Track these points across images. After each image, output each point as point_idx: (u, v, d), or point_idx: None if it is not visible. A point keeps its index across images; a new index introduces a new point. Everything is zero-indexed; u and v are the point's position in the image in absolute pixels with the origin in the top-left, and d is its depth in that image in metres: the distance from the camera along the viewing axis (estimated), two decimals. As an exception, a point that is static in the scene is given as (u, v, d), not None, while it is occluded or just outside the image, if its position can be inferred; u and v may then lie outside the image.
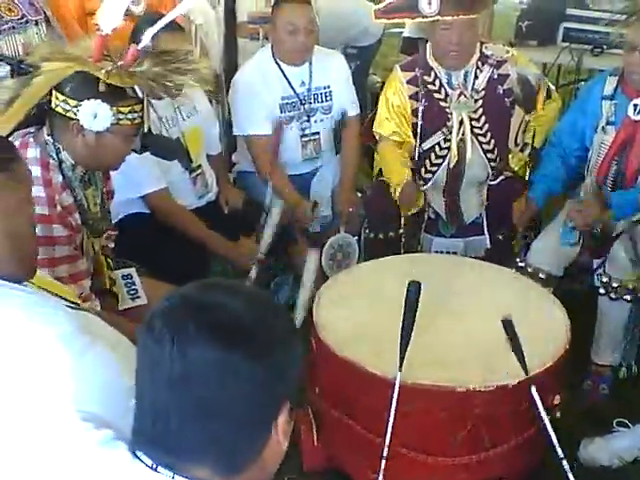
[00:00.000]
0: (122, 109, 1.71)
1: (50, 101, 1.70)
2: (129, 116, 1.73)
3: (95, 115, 1.67)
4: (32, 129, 1.76)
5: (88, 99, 1.66)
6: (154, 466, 0.91)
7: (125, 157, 1.84)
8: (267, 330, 0.92)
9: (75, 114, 1.68)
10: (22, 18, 2.58)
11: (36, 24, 2.59)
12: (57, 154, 1.74)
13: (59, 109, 1.70)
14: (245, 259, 2.50)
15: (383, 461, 1.60)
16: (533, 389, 1.61)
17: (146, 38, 1.73)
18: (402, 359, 1.60)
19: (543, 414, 1.59)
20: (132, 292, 2.04)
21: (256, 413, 0.92)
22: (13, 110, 1.66)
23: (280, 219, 2.54)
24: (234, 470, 0.92)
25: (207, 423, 0.90)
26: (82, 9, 2.84)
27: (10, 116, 1.64)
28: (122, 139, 1.76)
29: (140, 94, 1.75)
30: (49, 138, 1.74)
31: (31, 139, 1.74)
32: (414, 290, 1.62)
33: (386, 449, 1.50)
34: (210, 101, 3.13)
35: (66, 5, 2.92)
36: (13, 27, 2.56)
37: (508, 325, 1.62)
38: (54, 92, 1.69)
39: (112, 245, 2.01)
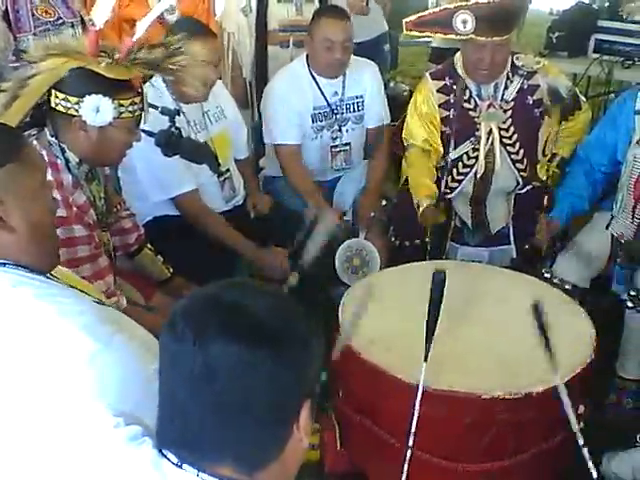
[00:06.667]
0: (123, 102, 1.71)
1: (49, 101, 1.70)
2: (130, 108, 1.73)
3: (97, 110, 1.67)
4: (34, 131, 1.74)
5: (89, 94, 1.67)
6: (179, 463, 0.92)
7: (128, 148, 1.84)
8: (288, 329, 0.94)
9: (77, 111, 1.68)
10: (58, 20, 2.64)
11: (72, 26, 2.64)
12: (63, 154, 1.74)
13: (60, 107, 1.69)
14: (274, 270, 2.46)
15: (405, 465, 1.60)
16: (561, 387, 1.52)
17: (139, 30, 1.74)
18: (427, 351, 1.57)
19: (570, 412, 1.54)
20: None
21: (277, 411, 0.93)
22: (12, 111, 1.64)
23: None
24: (256, 467, 0.94)
25: (228, 421, 0.91)
26: (118, 15, 2.89)
27: (9, 118, 1.61)
28: (124, 132, 1.77)
29: (138, 86, 1.76)
30: (52, 139, 1.74)
31: (35, 142, 1.72)
32: (439, 280, 1.57)
33: (409, 452, 1.49)
34: (247, 105, 3.17)
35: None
36: (48, 28, 2.61)
37: (537, 310, 1.55)
38: (53, 91, 1.68)
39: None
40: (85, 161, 1.78)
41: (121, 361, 1.18)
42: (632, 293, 2.31)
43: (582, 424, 1.79)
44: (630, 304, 2.32)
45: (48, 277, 1.28)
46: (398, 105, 3.52)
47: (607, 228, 2.53)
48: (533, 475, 1.83)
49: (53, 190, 1.64)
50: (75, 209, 1.73)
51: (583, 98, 2.83)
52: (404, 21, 2.58)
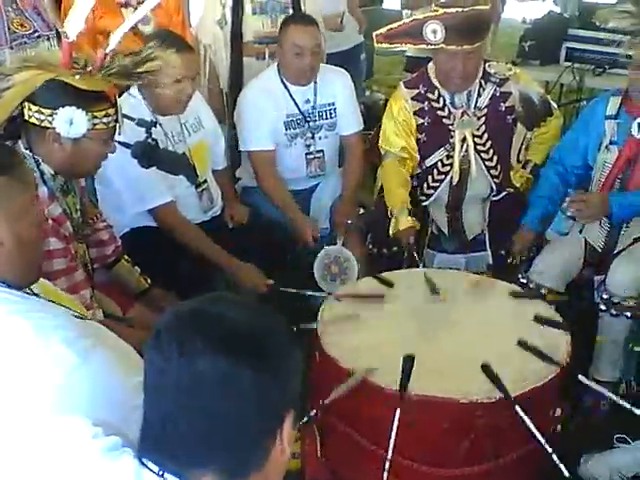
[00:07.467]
0: (97, 113, 1.72)
1: (23, 113, 1.70)
2: (104, 120, 1.74)
3: (71, 122, 1.68)
4: (8, 144, 1.73)
5: (63, 106, 1.67)
6: (161, 472, 0.93)
7: (103, 160, 1.84)
8: (271, 342, 0.95)
9: (50, 123, 1.69)
10: (34, 33, 2.63)
11: (48, 39, 2.64)
12: (37, 166, 1.73)
13: (33, 120, 1.69)
14: (249, 284, 2.45)
15: (385, 474, 1.61)
16: (517, 408, 1.62)
17: (113, 42, 1.75)
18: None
19: (533, 429, 1.61)
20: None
21: (261, 422, 0.94)
22: None
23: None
24: (239, 476, 0.94)
25: (213, 431, 0.92)
26: (93, 27, 2.89)
27: None
28: (99, 143, 1.77)
29: (113, 98, 1.77)
30: (27, 151, 1.73)
31: None
32: (408, 362, 1.67)
33: (389, 458, 1.50)
34: (223, 117, 3.18)
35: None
36: (24, 42, 2.61)
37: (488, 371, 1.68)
38: (26, 103, 1.69)
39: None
40: (60, 173, 1.78)
41: (100, 376, 1.18)
42: (605, 296, 2.35)
43: (559, 427, 1.82)
44: (603, 307, 2.36)
45: (27, 292, 1.28)
46: (374, 114, 3.56)
47: (581, 233, 2.57)
48: (515, 478, 1.84)
49: None
50: (51, 222, 1.73)
51: (554, 105, 2.88)
52: (374, 34, 2.60)
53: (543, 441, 1.59)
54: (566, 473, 1.54)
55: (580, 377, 1.73)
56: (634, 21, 2.34)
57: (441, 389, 1.69)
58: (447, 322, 1.98)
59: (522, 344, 1.75)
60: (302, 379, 1.01)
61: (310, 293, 2.44)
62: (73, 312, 1.36)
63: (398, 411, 1.57)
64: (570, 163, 2.63)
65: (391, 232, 2.60)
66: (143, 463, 0.95)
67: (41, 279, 1.37)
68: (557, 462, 1.56)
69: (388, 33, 2.58)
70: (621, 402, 1.64)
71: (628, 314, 2.32)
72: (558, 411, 1.80)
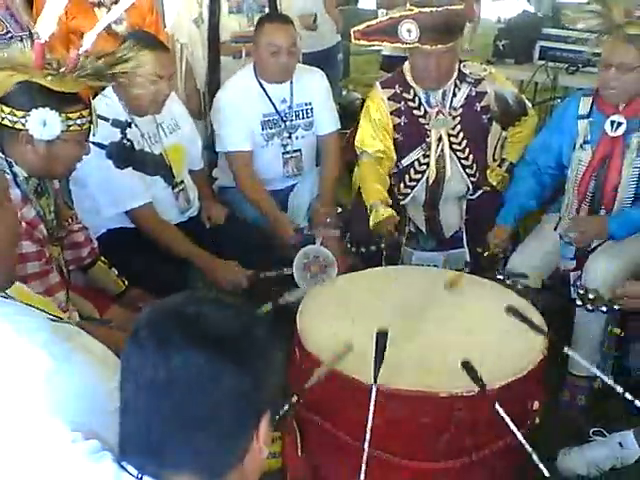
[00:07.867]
0: (71, 115, 1.71)
1: None
2: (78, 121, 1.73)
3: (44, 123, 1.66)
4: None
5: (36, 108, 1.65)
6: (139, 476, 0.93)
7: (77, 162, 1.83)
8: (250, 341, 0.95)
9: (24, 125, 1.67)
10: (6, 34, 2.61)
11: (21, 40, 2.62)
12: (10, 168, 1.71)
13: (6, 122, 1.68)
14: (227, 282, 2.45)
15: (363, 466, 1.61)
16: (497, 406, 1.64)
17: (86, 43, 1.74)
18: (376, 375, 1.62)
19: (511, 425, 1.62)
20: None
21: (238, 421, 0.94)
22: None
23: None
24: (216, 476, 0.94)
25: (190, 431, 0.92)
26: (65, 27, 2.87)
27: None
28: (73, 145, 1.76)
29: (86, 99, 1.76)
30: None
31: None
32: (382, 338, 1.65)
33: (365, 454, 1.50)
34: (200, 116, 3.17)
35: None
36: None
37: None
38: None
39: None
40: (33, 175, 1.77)
41: (79, 379, 1.18)
42: (581, 291, 2.37)
43: (537, 420, 1.84)
44: (579, 302, 2.38)
45: (2, 296, 1.27)
46: (350, 113, 3.57)
47: (555, 229, 2.59)
48: (494, 472, 1.85)
49: None
50: (24, 225, 1.71)
51: (529, 104, 2.91)
52: (352, 30, 2.62)
53: (523, 441, 1.61)
54: (546, 473, 1.55)
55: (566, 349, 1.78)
56: (601, 20, 2.37)
57: (421, 383, 1.69)
58: (426, 317, 1.98)
59: (511, 310, 1.79)
60: (281, 377, 1.01)
61: (291, 271, 2.43)
62: (48, 315, 1.35)
63: (373, 397, 1.56)
64: (544, 163, 2.66)
65: (371, 225, 2.59)
66: (122, 466, 0.94)
67: (16, 283, 1.36)
68: (537, 461, 1.57)
69: (365, 30, 2.60)
70: (612, 384, 1.68)
71: (604, 309, 2.35)
72: (536, 404, 1.82)
